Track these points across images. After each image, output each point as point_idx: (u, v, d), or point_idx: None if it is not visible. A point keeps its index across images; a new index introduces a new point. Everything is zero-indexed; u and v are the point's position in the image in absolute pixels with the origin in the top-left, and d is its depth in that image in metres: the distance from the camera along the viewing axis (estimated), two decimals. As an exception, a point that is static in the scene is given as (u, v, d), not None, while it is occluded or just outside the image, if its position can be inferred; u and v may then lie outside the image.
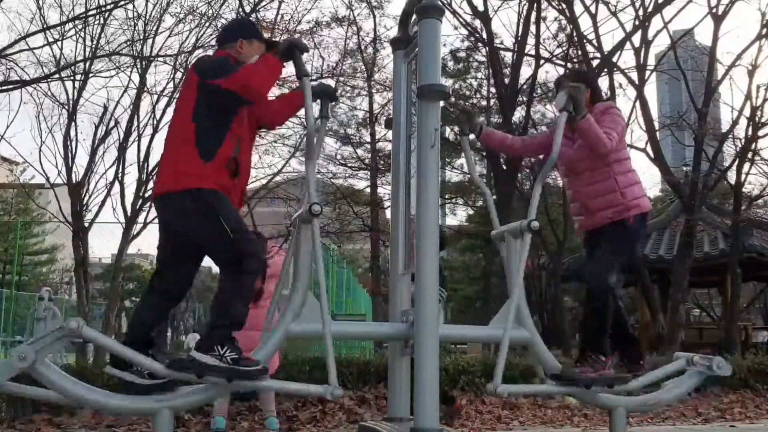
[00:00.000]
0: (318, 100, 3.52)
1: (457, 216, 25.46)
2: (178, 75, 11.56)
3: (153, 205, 3.49)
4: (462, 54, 18.62)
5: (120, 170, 11.57)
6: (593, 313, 3.74)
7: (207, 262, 3.45)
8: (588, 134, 3.73)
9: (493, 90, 16.96)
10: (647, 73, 13.21)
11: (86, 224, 11.42)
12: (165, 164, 3.29)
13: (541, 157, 4.45)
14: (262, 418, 5.13)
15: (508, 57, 15.51)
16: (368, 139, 17.19)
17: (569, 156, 3.95)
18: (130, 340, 3.14)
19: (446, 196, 21.34)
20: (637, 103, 12.69)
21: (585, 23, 19.81)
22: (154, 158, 11.60)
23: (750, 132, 13.34)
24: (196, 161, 3.11)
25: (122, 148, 11.56)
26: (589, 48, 13.40)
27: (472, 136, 4.14)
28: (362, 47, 16.23)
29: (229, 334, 3.01)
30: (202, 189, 3.08)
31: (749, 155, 14.03)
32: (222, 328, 3.01)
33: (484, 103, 19.51)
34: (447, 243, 6.51)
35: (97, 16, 11.19)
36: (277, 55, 3.24)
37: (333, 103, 3.71)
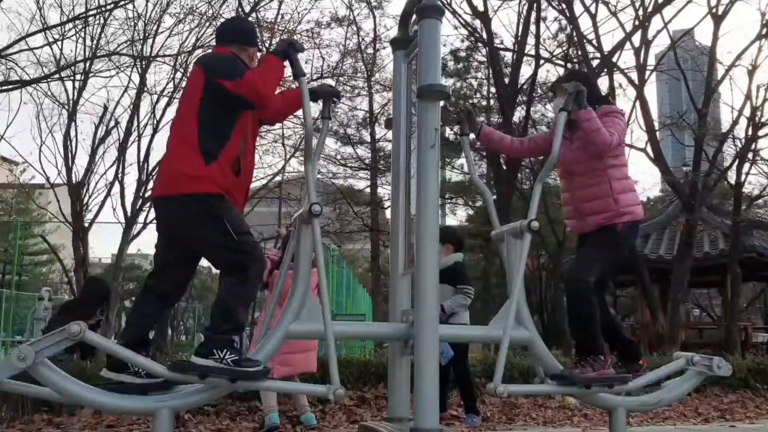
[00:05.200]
0: (320, 100, 3.49)
1: (457, 216, 25.48)
2: (178, 75, 11.56)
3: (152, 205, 3.46)
4: (462, 54, 18.63)
5: (120, 170, 11.59)
6: (579, 314, 3.67)
7: (206, 261, 3.44)
8: (590, 126, 3.69)
9: (493, 90, 16.97)
10: (647, 73, 13.22)
11: (86, 224, 11.42)
12: (166, 164, 3.26)
13: (541, 157, 4.43)
14: (298, 415, 5.17)
15: (508, 57, 15.54)
16: (368, 139, 17.21)
17: (566, 157, 3.93)
18: (126, 341, 3.12)
19: (446, 196, 21.35)
20: (637, 103, 12.71)
21: (585, 23, 19.82)
22: (154, 158, 11.61)
23: (750, 132, 13.35)
24: (198, 163, 3.08)
25: (122, 148, 11.58)
26: (589, 48, 13.42)
27: (472, 136, 4.11)
28: (362, 47, 16.24)
29: (230, 338, 3.00)
30: (209, 194, 3.06)
31: (749, 155, 14.04)
32: (224, 332, 3.00)
33: (484, 103, 19.53)
34: (463, 244, 6.36)
35: (97, 16, 11.21)
36: (276, 55, 3.25)
37: (335, 102, 3.64)
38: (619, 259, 3.84)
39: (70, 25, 11.13)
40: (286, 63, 3.28)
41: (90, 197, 11.66)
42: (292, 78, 3.40)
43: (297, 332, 3.21)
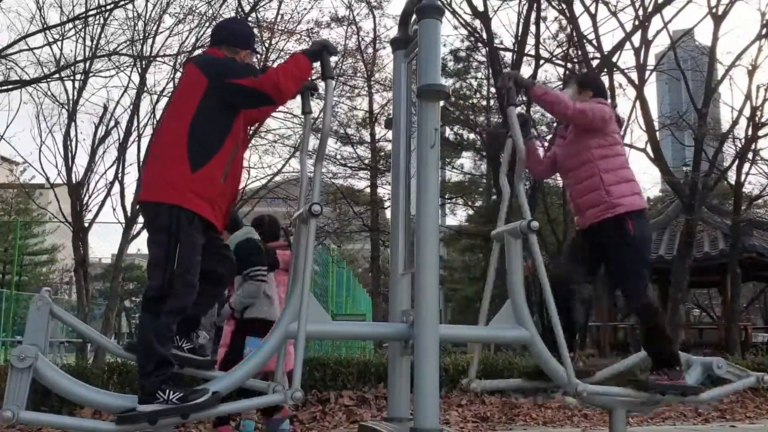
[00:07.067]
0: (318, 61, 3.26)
1: (457, 216, 25.50)
2: (178, 75, 11.55)
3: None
4: (462, 54, 18.64)
5: (120, 170, 11.58)
6: (649, 331, 3.75)
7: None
8: (545, 99, 3.76)
9: (493, 90, 16.97)
10: (647, 73, 13.21)
11: (86, 224, 11.42)
12: (149, 169, 3.19)
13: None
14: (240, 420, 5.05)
15: (508, 57, 15.53)
16: (368, 139, 17.22)
17: (561, 155, 3.95)
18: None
19: (446, 196, 21.35)
20: (637, 103, 12.70)
21: (585, 23, 19.82)
22: (154, 158, 11.60)
23: (750, 132, 13.36)
24: (183, 170, 3.00)
25: (122, 148, 11.57)
26: (589, 48, 13.42)
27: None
28: (362, 47, 16.25)
29: (163, 376, 2.92)
30: (183, 209, 2.98)
31: (749, 155, 14.05)
32: (154, 373, 2.91)
33: (484, 103, 19.54)
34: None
35: (97, 16, 11.20)
36: (307, 54, 3.20)
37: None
38: (646, 255, 3.85)
39: (70, 25, 11.13)
40: (316, 64, 3.23)
41: (90, 197, 11.65)
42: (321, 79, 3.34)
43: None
